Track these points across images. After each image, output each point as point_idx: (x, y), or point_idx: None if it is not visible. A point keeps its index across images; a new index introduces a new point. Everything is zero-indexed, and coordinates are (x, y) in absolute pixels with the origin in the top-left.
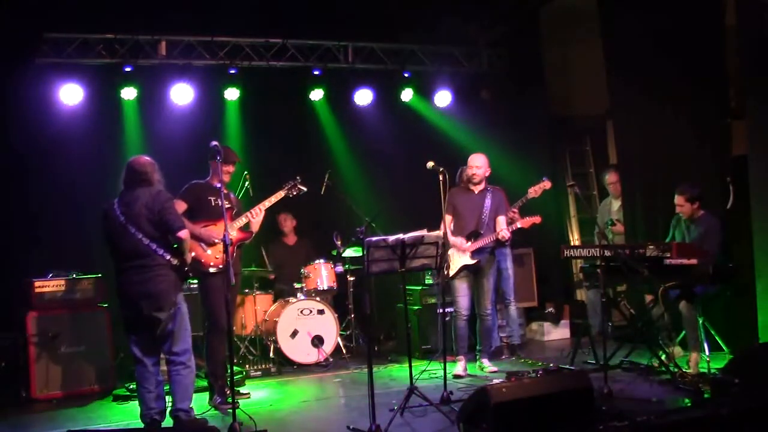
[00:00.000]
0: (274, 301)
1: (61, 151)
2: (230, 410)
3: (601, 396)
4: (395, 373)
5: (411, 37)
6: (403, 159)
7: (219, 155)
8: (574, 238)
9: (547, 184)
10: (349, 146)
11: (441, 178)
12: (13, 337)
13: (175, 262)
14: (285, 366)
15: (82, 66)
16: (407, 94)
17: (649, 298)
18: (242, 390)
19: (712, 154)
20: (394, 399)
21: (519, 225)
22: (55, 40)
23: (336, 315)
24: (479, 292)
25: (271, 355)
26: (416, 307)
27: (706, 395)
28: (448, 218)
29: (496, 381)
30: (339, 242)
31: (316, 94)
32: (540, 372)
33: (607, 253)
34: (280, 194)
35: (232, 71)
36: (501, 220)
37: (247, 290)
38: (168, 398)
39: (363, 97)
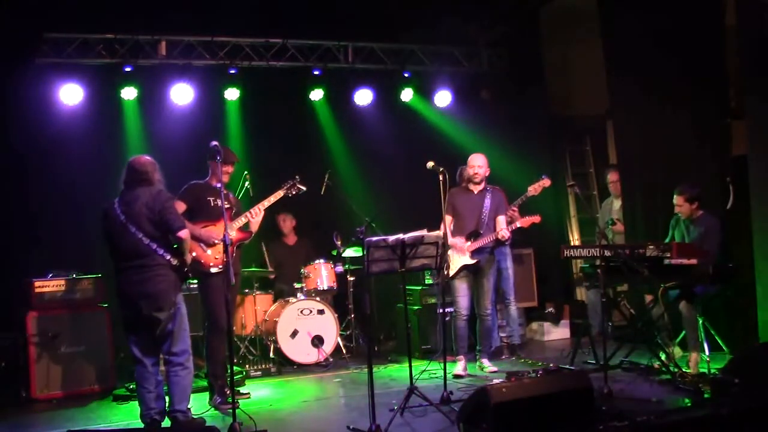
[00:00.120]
0: (274, 301)
1: (61, 151)
2: (230, 410)
3: (601, 396)
4: (395, 373)
5: (411, 37)
6: (403, 159)
7: (219, 155)
8: (574, 238)
9: (546, 182)
10: (349, 146)
11: (441, 178)
12: (13, 337)
13: (175, 262)
14: (285, 366)
15: (82, 66)
16: (407, 94)
17: (649, 298)
18: (242, 390)
19: (712, 154)
20: (394, 399)
21: (518, 225)
22: (55, 40)
23: (336, 315)
24: (479, 292)
25: (271, 355)
26: (416, 307)
27: (706, 395)
28: (448, 218)
29: (496, 381)
30: (339, 242)
31: (316, 94)
32: (540, 372)
33: (607, 253)
34: (279, 194)
35: (232, 71)
36: (501, 220)
37: (247, 290)
38: (166, 398)
39: (363, 97)
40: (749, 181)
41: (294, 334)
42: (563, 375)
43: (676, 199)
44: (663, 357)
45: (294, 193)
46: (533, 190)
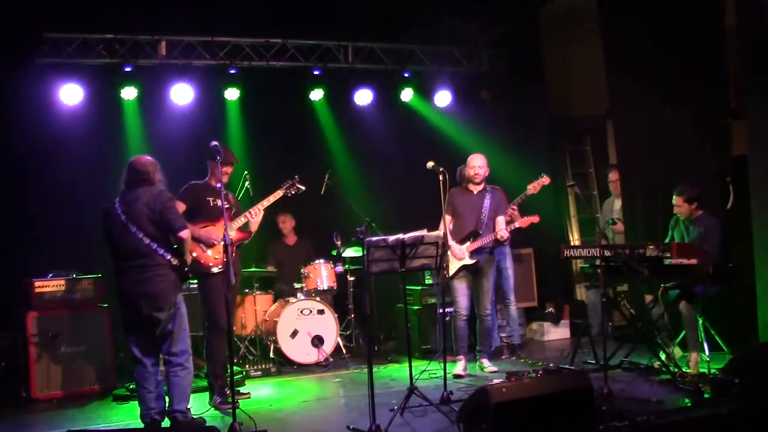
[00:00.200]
0: (274, 301)
1: (61, 151)
2: (230, 410)
3: (601, 396)
4: (395, 373)
5: (411, 37)
6: (403, 159)
7: (219, 155)
8: (574, 238)
9: (545, 180)
10: (349, 146)
11: (441, 178)
12: (13, 337)
13: (175, 262)
14: (285, 366)
15: (82, 66)
16: (407, 94)
17: (649, 298)
18: (242, 390)
19: (712, 154)
20: (394, 399)
21: (518, 225)
22: (55, 40)
23: (336, 315)
24: (478, 292)
25: (271, 355)
26: (416, 307)
27: (706, 395)
28: (447, 218)
29: (496, 381)
30: (339, 242)
31: (316, 94)
32: (540, 372)
33: (607, 253)
34: (279, 194)
35: (232, 71)
36: (500, 221)
37: (247, 290)
38: (166, 398)
39: (363, 97)
40: (749, 181)
41: (294, 334)
42: (563, 375)
43: (675, 200)
44: (663, 357)
45: (293, 192)
46: (533, 188)
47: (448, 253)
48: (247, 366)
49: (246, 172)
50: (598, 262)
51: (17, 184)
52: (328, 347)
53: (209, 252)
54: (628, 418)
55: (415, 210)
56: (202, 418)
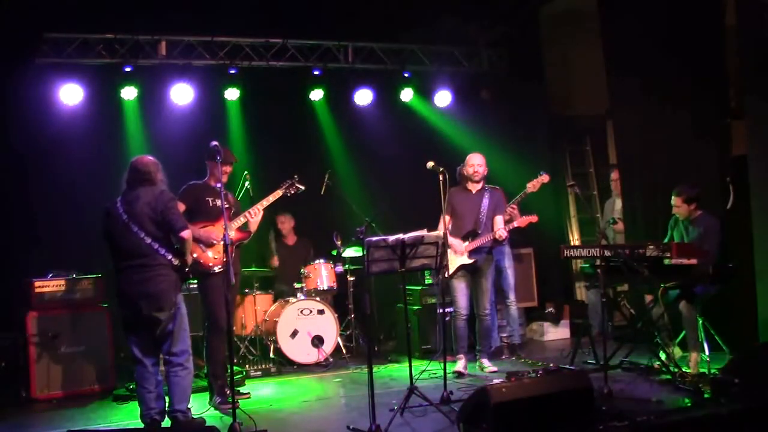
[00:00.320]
0: (274, 301)
1: (61, 151)
2: (230, 410)
3: (601, 396)
4: (395, 373)
5: (411, 37)
6: (403, 159)
7: (219, 155)
8: (574, 238)
9: (545, 178)
10: (349, 146)
11: (441, 178)
12: (13, 337)
13: (176, 262)
14: (285, 366)
15: (82, 66)
16: (407, 94)
17: (649, 298)
18: (242, 390)
19: (712, 154)
20: (394, 399)
21: (516, 224)
22: (55, 40)
23: (336, 315)
24: (477, 292)
25: (271, 355)
26: (416, 307)
27: (706, 395)
28: (446, 218)
29: (496, 381)
30: (339, 242)
31: (316, 94)
32: (540, 372)
33: (607, 253)
34: (278, 193)
35: (232, 71)
36: (498, 220)
37: (247, 290)
38: (166, 398)
39: (363, 97)
40: (749, 181)
41: (294, 334)
42: (563, 375)
43: (674, 200)
44: (663, 357)
45: (293, 192)
46: (532, 186)
47: (448, 251)
48: (247, 366)
49: (246, 172)
50: (598, 262)
51: (17, 184)
52: (328, 347)
53: (209, 252)
54: (628, 418)
55: (415, 210)
56: (201, 418)
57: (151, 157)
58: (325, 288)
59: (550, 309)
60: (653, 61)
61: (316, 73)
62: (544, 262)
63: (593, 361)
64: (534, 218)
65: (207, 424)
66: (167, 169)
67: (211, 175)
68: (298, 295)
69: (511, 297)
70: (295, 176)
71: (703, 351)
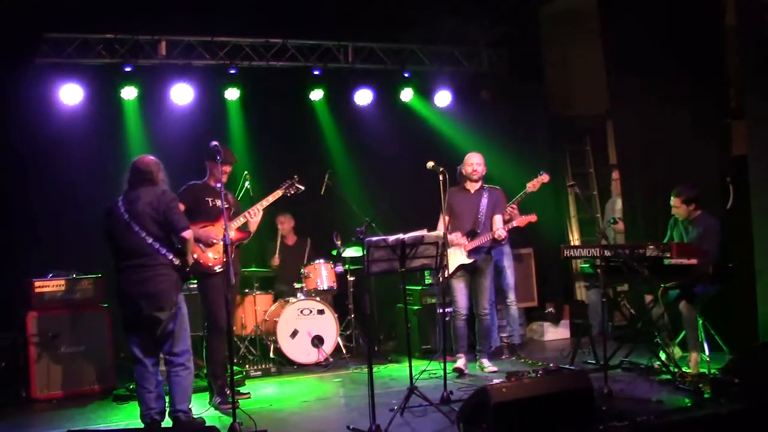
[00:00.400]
0: (274, 301)
1: (61, 151)
2: (230, 410)
3: (601, 396)
4: (395, 373)
5: (411, 37)
6: (403, 159)
7: (219, 155)
8: (574, 238)
9: (545, 178)
10: (349, 146)
11: (441, 178)
12: (13, 337)
13: (177, 262)
14: (285, 366)
15: (82, 66)
16: (407, 94)
17: (649, 298)
18: (242, 390)
19: (712, 154)
20: (394, 399)
21: (515, 224)
22: (55, 40)
23: (336, 315)
24: (477, 292)
25: (271, 355)
26: (416, 307)
27: (706, 395)
28: (446, 218)
29: (496, 381)
30: (339, 242)
31: (316, 94)
32: (540, 372)
33: (607, 253)
34: (278, 193)
35: (232, 71)
36: (497, 219)
37: (247, 290)
38: (166, 398)
39: (363, 97)
40: (749, 181)
41: (294, 334)
42: (563, 375)
43: (673, 201)
44: (663, 357)
45: (292, 192)
46: (532, 186)
47: (448, 251)
48: (247, 366)
49: (246, 172)
50: (598, 262)
51: (17, 184)
52: (328, 347)
53: (209, 252)
54: (628, 418)
55: (415, 210)
56: (201, 418)
57: (152, 157)
58: (325, 288)
59: (550, 309)
60: (653, 61)
61: (316, 73)
62: (544, 262)
63: (593, 361)
64: (533, 218)
65: (207, 424)
66: (167, 169)
67: (211, 175)
68: (298, 295)
69: (511, 297)
70: (295, 176)
71: (703, 351)
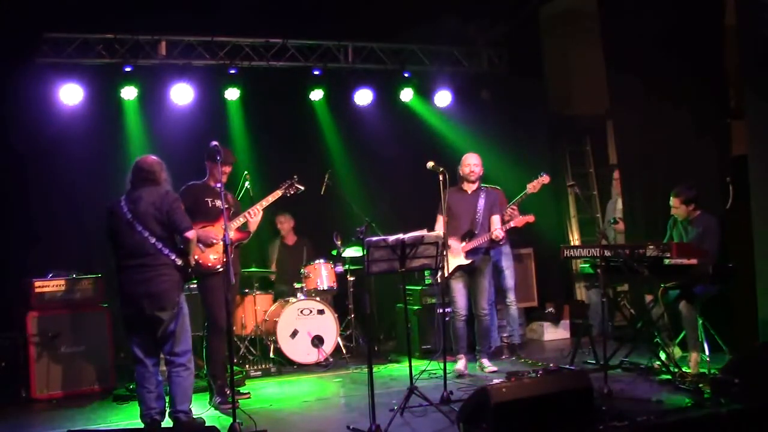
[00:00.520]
0: (274, 301)
1: (61, 151)
2: (230, 410)
3: (601, 396)
4: (395, 373)
5: (411, 37)
6: (403, 159)
7: (219, 155)
8: (574, 238)
9: (545, 179)
10: (349, 146)
11: (441, 178)
12: (13, 337)
13: (179, 262)
14: (285, 366)
15: (82, 66)
16: (407, 94)
17: (649, 298)
18: (242, 390)
19: (712, 154)
20: (394, 399)
21: (513, 224)
22: (55, 40)
23: (336, 315)
24: (476, 292)
25: (271, 355)
26: (416, 307)
27: (706, 395)
28: (442, 219)
29: (496, 381)
30: (339, 242)
31: (316, 94)
32: (540, 372)
33: (607, 253)
34: (278, 194)
35: (232, 71)
36: (495, 220)
37: (247, 290)
38: (166, 398)
39: (363, 97)
40: (749, 181)
41: (294, 334)
42: (563, 375)
43: (673, 201)
44: (663, 357)
45: (292, 192)
46: (532, 187)
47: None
48: (247, 366)
49: (246, 172)
50: (598, 262)
51: (17, 184)
52: (328, 347)
53: (208, 253)
54: (628, 418)
55: (415, 210)
56: (201, 418)
57: (155, 157)
58: (325, 288)
59: (550, 309)
60: (653, 60)
61: (316, 73)
62: (544, 262)
63: (593, 361)
64: (531, 218)
65: (207, 424)
66: (168, 170)
67: (211, 175)
68: (298, 295)
69: (511, 297)
70: (295, 176)
71: (703, 351)
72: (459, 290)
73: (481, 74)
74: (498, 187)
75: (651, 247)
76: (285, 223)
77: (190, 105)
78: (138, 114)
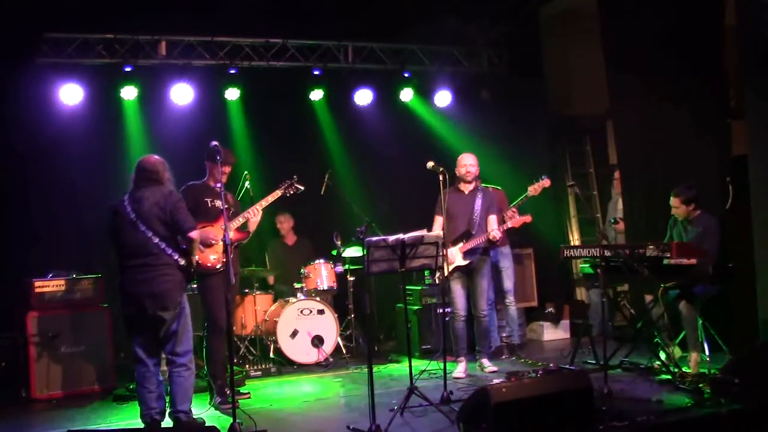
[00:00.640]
0: (274, 301)
1: (61, 151)
2: (230, 410)
3: (601, 396)
4: (395, 373)
5: (411, 37)
6: (403, 159)
7: (219, 155)
8: (574, 238)
9: (546, 183)
10: (349, 146)
11: (441, 178)
12: (13, 337)
13: (182, 262)
14: (285, 366)
15: (82, 66)
16: (407, 94)
17: (649, 298)
18: (242, 390)
19: (712, 154)
20: (394, 399)
21: (510, 225)
22: (55, 40)
23: (336, 315)
24: (474, 293)
25: (271, 355)
26: (416, 307)
27: (706, 395)
28: (439, 219)
29: (496, 381)
30: (339, 242)
31: (316, 94)
32: (540, 372)
33: (607, 253)
34: (277, 193)
35: (232, 71)
36: (492, 220)
37: (247, 290)
38: (166, 398)
39: (363, 97)
40: (749, 181)
41: (294, 334)
42: (563, 375)
43: (673, 201)
44: (663, 357)
45: (292, 192)
46: (533, 190)
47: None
48: (247, 366)
49: (246, 173)
50: (598, 262)
51: (17, 183)
52: (328, 347)
53: (208, 252)
54: (628, 418)
55: (415, 210)
56: (201, 418)
57: (157, 157)
58: (325, 288)
59: (550, 309)
60: (653, 60)
61: (316, 73)
62: (544, 262)
63: (593, 361)
64: (528, 218)
65: (207, 424)
66: (170, 169)
67: (211, 175)
68: (298, 295)
69: (510, 298)
70: (294, 176)
71: (703, 351)
72: (458, 291)
73: (481, 74)
74: (499, 188)
75: (651, 247)
76: (285, 223)
77: (190, 105)
78: (138, 114)
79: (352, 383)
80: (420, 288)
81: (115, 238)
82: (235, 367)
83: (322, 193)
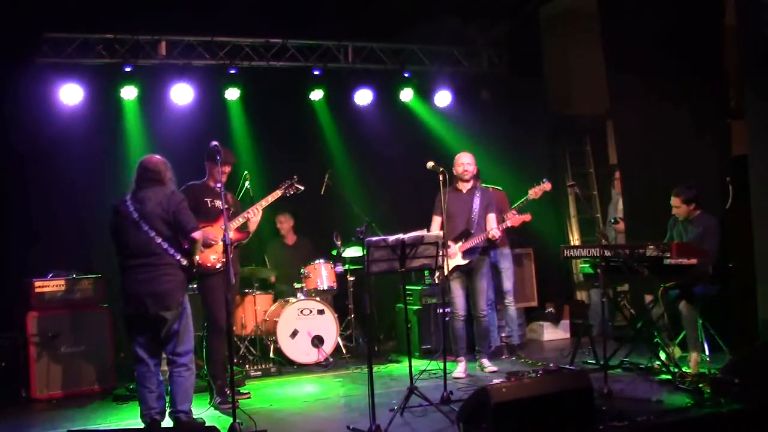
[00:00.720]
0: (274, 301)
1: (61, 151)
2: (230, 410)
3: (601, 396)
4: (395, 373)
5: (411, 37)
6: (403, 159)
7: (219, 155)
8: (574, 238)
9: (547, 186)
10: (349, 146)
11: (441, 178)
12: (13, 337)
13: (184, 262)
14: (285, 366)
15: (82, 66)
16: (407, 94)
17: (649, 298)
18: (242, 390)
19: (712, 154)
20: (394, 399)
21: (509, 224)
22: (55, 40)
23: (336, 315)
24: (474, 293)
25: (271, 355)
26: (416, 307)
27: (706, 395)
28: (437, 219)
29: (496, 381)
30: (339, 242)
31: (316, 94)
32: (540, 372)
33: (607, 253)
34: (277, 193)
35: (232, 71)
36: (491, 219)
37: (247, 290)
38: (166, 398)
39: (363, 97)
40: (749, 181)
41: (294, 334)
42: (563, 375)
43: (673, 201)
44: (663, 357)
45: (292, 192)
46: (534, 193)
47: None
48: (247, 366)
49: (246, 172)
50: (598, 262)
51: (17, 183)
52: (328, 347)
53: (208, 252)
54: (628, 418)
55: (415, 210)
56: (201, 418)
57: (159, 157)
58: (325, 288)
59: (550, 309)
60: (653, 60)
61: (316, 73)
62: (544, 262)
63: (593, 361)
64: (527, 217)
65: (207, 424)
66: (172, 169)
67: (210, 175)
68: (298, 295)
69: (510, 298)
70: (294, 176)
71: (703, 351)
72: (457, 291)
73: (481, 74)
74: (500, 188)
75: (651, 247)
76: (285, 223)
77: (190, 105)
78: (138, 114)
79: (352, 383)
80: (420, 288)
81: (117, 238)
82: (235, 367)
83: (322, 193)
